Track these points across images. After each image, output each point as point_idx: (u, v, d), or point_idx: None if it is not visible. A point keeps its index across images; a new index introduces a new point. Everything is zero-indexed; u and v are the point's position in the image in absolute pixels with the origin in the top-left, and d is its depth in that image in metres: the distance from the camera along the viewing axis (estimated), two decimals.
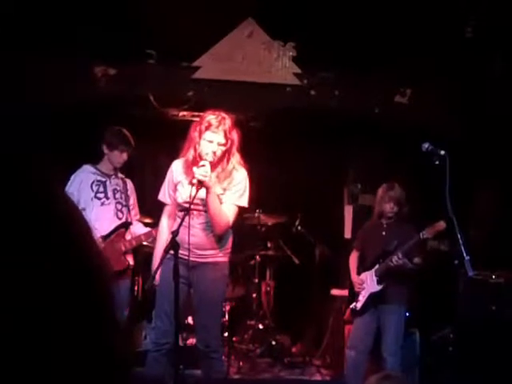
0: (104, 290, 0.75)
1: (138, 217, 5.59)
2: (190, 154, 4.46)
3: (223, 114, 4.44)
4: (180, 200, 4.48)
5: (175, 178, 4.56)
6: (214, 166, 4.36)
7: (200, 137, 4.39)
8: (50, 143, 5.94)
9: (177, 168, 4.58)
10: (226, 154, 4.43)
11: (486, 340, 5.15)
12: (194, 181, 4.24)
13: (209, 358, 4.53)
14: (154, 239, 5.05)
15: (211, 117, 4.41)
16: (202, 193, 4.30)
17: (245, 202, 4.55)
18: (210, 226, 4.44)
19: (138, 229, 5.46)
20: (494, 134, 6.40)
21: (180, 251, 4.09)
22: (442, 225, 4.92)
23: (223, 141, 4.37)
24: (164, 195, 4.66)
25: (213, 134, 4.36)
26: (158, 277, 4.37)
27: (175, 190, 4.55)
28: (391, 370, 2.69)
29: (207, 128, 4.37)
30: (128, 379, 0.75)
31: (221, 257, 4.55)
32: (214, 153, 4.35)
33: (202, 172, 4.20)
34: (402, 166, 6.56)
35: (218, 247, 4.52)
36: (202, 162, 4.26)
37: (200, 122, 4.48)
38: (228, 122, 4.41)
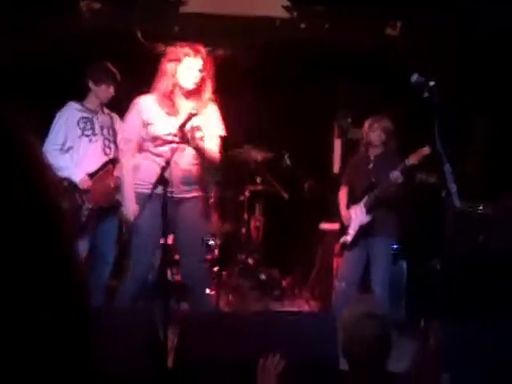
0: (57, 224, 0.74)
1: None
2: (167, 86, 4.41)
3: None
4: (160, 133, 4.45)
5: (145, 114, 4.50)
6: (191, 95, 4.35)
7: (177, 65, 4.36)
8: (34, 79, 5.86)
9: (147, 104, 4.51)
10: (203, 83, 4.42)
11: (473, 271, 5.21)
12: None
13: (194, 293, 4.61)
14: None
15: (186, 46, 4.42)
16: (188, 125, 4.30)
17: (224, 131, 4.65)
18: (195, 159, 4.45)
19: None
20: (484, 63, 6.34)
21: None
22: (426, 150, 4.92)
23: (202, 67, 4.37)
24: (129, 133, 4.60)
25: (192, 60, 4.35)
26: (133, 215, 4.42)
27: (145, 125, 4.50)
28: (375, 305, 2.74)
29: (186, 54, 4.34)
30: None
31: (201, 191, 4.59)
32: (194, 78, 4.34)
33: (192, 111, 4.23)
34: (392, 100, 6.51)
35: (200, 182, 4.55)
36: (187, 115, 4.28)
37: (174, 52, 4.45)
38: (203, 50, 4.44)
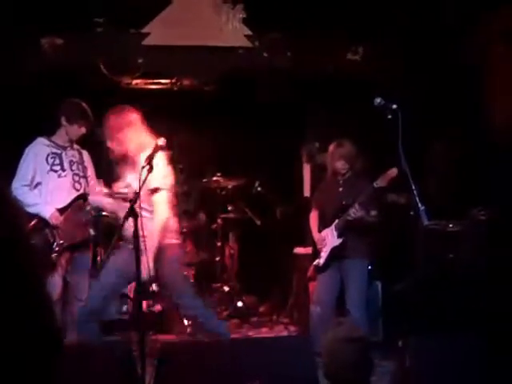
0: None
1: (98, 187, 5.47)
2: None
3: None
4: None
5: None
6: None
7: None
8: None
9: None
10: None
11: (445, 288, 5.27)
12: None
13: None
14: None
15: None
16: None
17: None
18: None
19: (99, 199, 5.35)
20: (446, 86, 6.46)
21: None
22: (394, 171, 4.99)
23: None
24: None
25: None
26: None
27: None
28: (354, 328, 2.76)
29: None
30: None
31: None
32: None
33: None
34: (357, 123, 6.60)
35: None
36: None
37: None
38: None
